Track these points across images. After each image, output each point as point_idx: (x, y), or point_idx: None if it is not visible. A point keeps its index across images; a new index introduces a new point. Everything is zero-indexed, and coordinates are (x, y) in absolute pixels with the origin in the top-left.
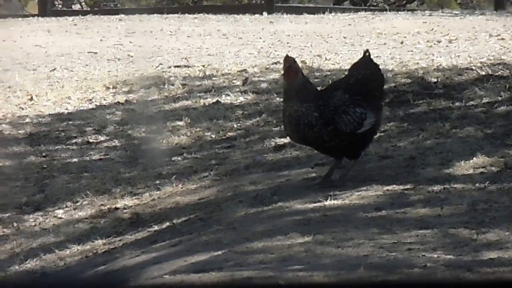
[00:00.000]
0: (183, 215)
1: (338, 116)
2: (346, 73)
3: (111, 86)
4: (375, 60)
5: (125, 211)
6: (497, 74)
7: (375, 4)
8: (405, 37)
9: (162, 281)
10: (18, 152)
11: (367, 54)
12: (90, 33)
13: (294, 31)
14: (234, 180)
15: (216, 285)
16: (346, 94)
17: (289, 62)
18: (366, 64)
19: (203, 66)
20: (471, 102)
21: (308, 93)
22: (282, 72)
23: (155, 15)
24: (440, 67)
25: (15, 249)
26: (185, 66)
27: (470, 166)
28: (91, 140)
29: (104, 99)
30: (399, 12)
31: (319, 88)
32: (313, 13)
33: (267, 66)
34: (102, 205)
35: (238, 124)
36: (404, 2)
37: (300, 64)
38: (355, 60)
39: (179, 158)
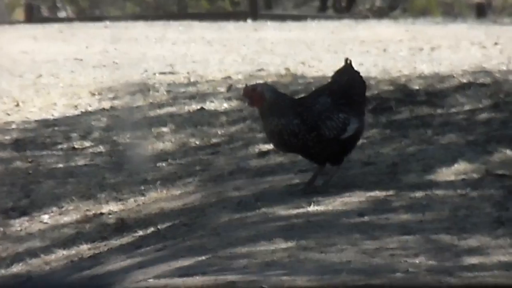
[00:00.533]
0: (168, 221)
1: (321, 121)
2: (330, 80)
3: (96, 93)
4: (358, 67)
5: (110, 216)
6: (478, 81)
7: (358, 12)
8: (388, 44)
9: (146, 284)
10: (4, 157)
11: (348, 62)
12: (76, 40)
13: (278, 39)
14: (218, 186)
15: None
16: (329, 99)
17: (248, 94)
18: (347, 71)
19: (188, 73)
20: (453, 109)
21: (282, 107)
22: (247, 103)
23: (140, 22)
24: (423, 74)
25: (0, 253)
26: (169, 73)
27: (452, 173)
28: (76, 146)
29: (90, 106)
30: (382, 20)
31: (303, 94)
32: (297, 21)
33: (251, 73)
34: (87, 210)
35: (222, 131)
36: (387, 10)
37: (283, 71)
38: (338, 68)
39: (164, 164)
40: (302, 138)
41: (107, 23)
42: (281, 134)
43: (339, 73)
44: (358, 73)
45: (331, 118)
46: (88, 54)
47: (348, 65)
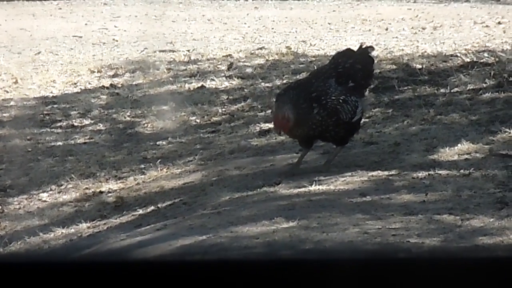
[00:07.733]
0: (168, 199)
1: (340, 106)
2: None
3: (96, 70)
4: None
5: (109, 194)
6: (481, 61)
7: None
8: (389, 23)
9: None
10: (2, 135)
11: (364, 47)
12: (75, 17)
13: (279, 17)
14: (218, 164)
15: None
16: (339, 82)
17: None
18: (356, 55)
19: (188, 51)
20: (456, 89)
21: (304, 112)
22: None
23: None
24: (425, 53)
25: None
26: (170, 50)
27: (455, 153)
28: (76, 124)
29: (89, 83)
30: None
31: (304, 73)
32: None
33: (252, 51)
34: (86, 188)
35: (223, 109)
36: None
37: (285, 50)
38: (340, 47)
39: (164, 143)
40: (324, 124)
41: (107, 0)
42: (308, 130)
43: (346, 55)
44: (372, 59)
45: (348, 102)
46: (87, 32)
47: (363, 50)
